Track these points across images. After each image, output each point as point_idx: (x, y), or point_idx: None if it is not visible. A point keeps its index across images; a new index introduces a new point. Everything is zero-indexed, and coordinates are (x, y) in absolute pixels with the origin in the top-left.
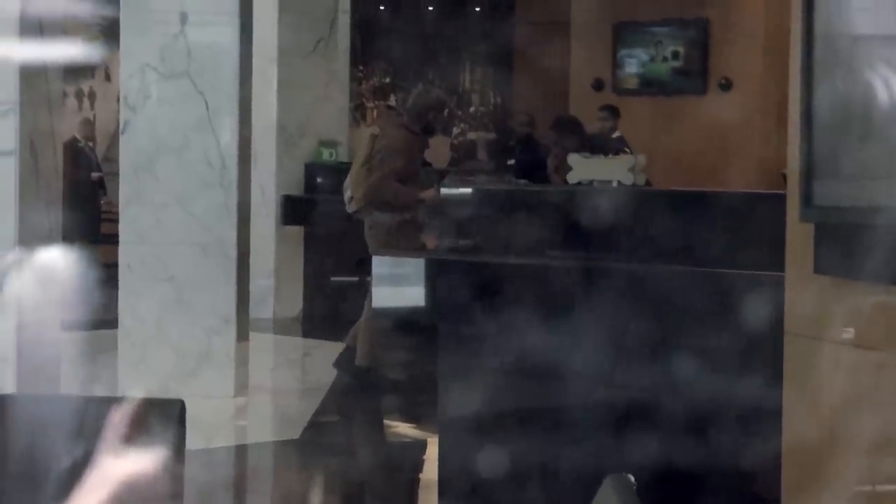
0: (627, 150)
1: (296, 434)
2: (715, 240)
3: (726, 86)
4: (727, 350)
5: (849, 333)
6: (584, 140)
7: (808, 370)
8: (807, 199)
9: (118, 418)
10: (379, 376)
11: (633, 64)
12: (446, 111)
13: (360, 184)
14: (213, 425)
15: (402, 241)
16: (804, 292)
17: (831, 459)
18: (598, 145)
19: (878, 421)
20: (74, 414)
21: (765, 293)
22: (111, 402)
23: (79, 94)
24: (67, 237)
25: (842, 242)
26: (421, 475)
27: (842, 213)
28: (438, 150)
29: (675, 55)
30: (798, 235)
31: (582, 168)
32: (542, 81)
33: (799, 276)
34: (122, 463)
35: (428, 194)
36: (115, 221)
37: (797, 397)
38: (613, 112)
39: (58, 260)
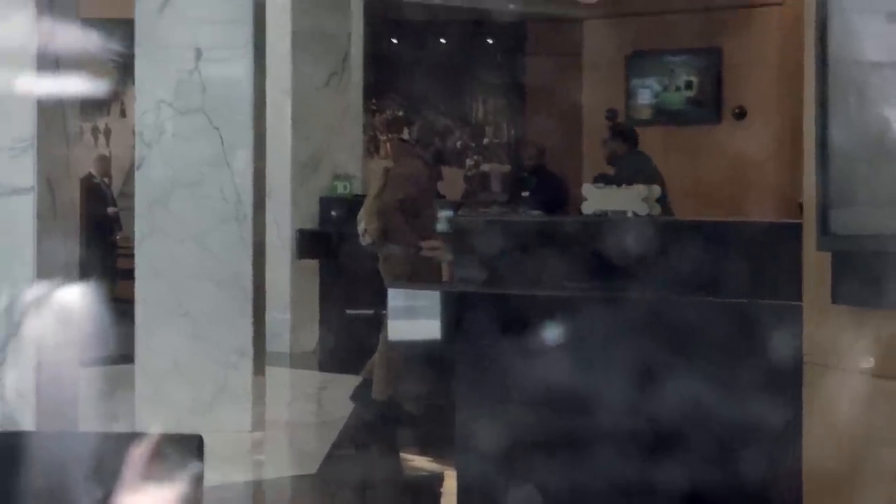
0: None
1: (313, 468)
2: (733, 270)
3: (740, 115)
4: (747, 380)
5: (868, 363)
6: (632, 147)
7: (828, 400)
8: (823, 228)
9: (137, 454)
10: (396, 409)
11: (646, 94)
12: (454, 138)
13: (373, 217)
14: (230, 460)
15: (417, 273)
16: (822, 322)
17: (851, 489)
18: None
19: None
20: (93, 451)
21: (783, 323)
22: (129, 438)
23: (94, 131)
24: (84, 273)
25: (859, 271)
26: None
27: (859, 241)
28: (452, 182)
29: (689, 85)
30: (815, 265)
31: (596, 199)
32: (555, 112)
33: (817, 305)
34: (142, 499)
35: (429, 244)
36: (131, 256)
37: (817, 427)
38: (619, 135)
39: (75, 297)
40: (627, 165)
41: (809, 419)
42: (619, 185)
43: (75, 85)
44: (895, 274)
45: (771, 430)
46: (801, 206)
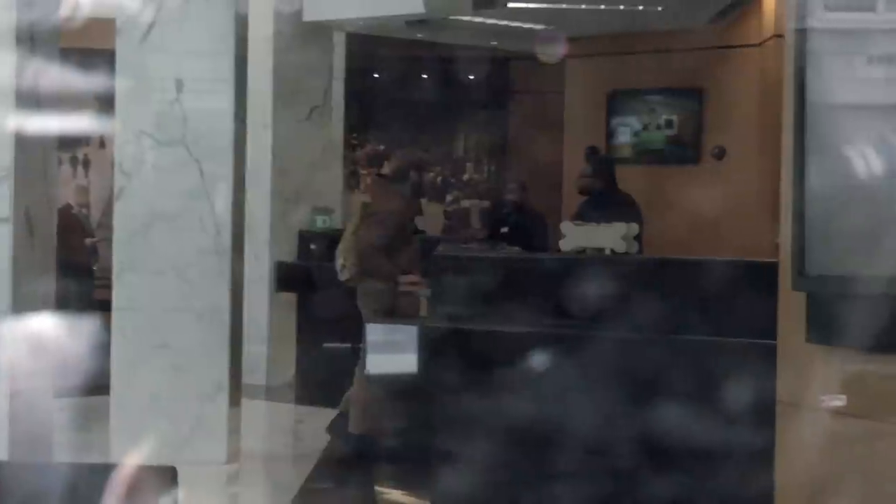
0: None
1: (287, 501)
2: (708, 309)
3: (720, 155)
4: (718, 417)
5: (840, 402)
6: (612, 184)
7: (801, 439)
8: (799, 268)
9: (112, 485)
10: (372, 443)
11: (626, 132)
12: (430, 171)
13: (351, 252)
14: (205, 492)
15: (396, 308)
16: (796, 361)
17: None
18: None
19: (871, 490)
20: (67, 481)
21: (756, 362)
22: (104, 469)
23: (73, 161)
24: (61, 304)
25: (833, 311)
26: None
27: (833, 282)
28: (432, 218)
29: (669, 124)
30: (790, 304)
31: (575, 236)
32: (536, 149)
33: (791, 344)
34: None
35: (408, 280)
36: (109, 288)
37: (789, 466)
38: (600, 170)
39: (50, 327)
40: (605, 200)
41: (781, 457)
42: (597, 222)
43: (55, 119)
44: (869, 315)
45: (743, 466)
46: (778, 246)
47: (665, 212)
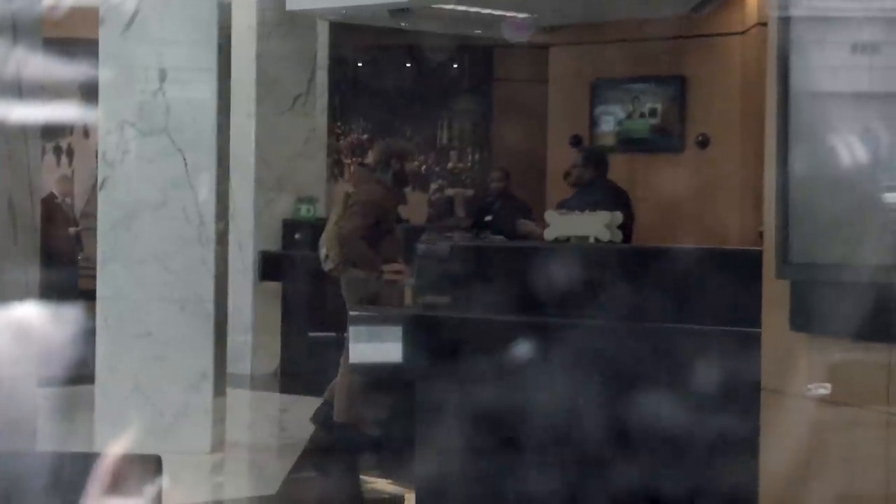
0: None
1: (272, 490)
2: (693, 297)
3: (703, 143)
4: (705, 406)
5: (825, 389)
6: (603, 174)
7: (784, 425)
8: (783, 256)
9: (97, 474)
10: (356, 432)
11: (610, 121)
12: (413, 160)
13: (334, 242)
14: (190, 481)
15: (380, 297)
16: (780, 349)
17: None
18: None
19: (854, 476)
20: (50, 470)
21: (742, 350)
22: (88, 458)
23: (57, 151)
24: (45, 293)
25: (817, 299)
26: None
27: (817, 270)
28: (416, 207)
29: (653, 112)
30: (774, 292)
31: (558, 224)
32: (520, 138)
33: (775, 332)
34: None
35: (391, 268)
36: (93, 277)
37: (774, 453)
38: (591, 161)
39: (34, 317)
40: (595, 192)
41: (766, 444)
42: (583, 210)
43: (38, 108)
44: (852, 302)
45: (728, 454)
46: (761, 235)
47: (649, 200)
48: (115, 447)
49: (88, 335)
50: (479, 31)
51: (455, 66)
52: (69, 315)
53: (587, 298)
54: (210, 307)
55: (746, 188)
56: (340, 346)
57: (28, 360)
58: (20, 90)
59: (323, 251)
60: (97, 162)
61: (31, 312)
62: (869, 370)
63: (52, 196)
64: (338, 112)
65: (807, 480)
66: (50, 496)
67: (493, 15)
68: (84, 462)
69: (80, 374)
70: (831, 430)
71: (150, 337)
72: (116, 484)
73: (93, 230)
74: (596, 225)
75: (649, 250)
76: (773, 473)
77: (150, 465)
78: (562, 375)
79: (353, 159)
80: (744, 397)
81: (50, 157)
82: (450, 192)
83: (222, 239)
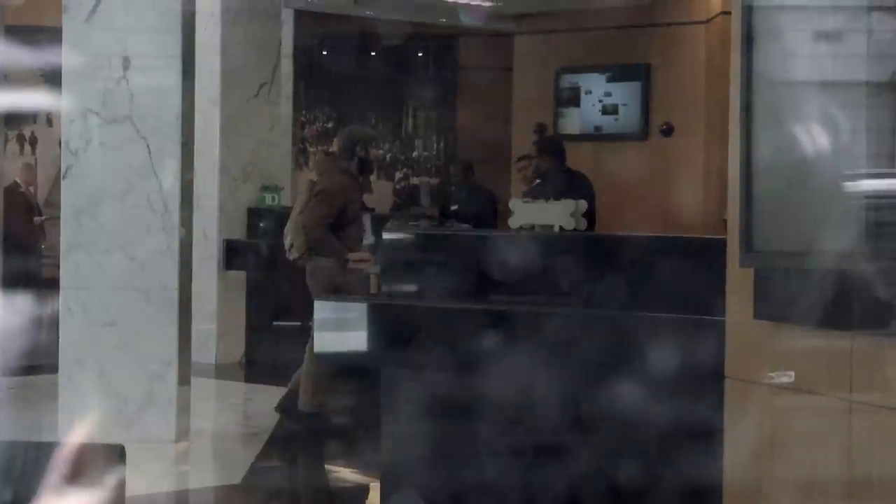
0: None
1: (237, 479)
2: (654, 285)
3: (667, 131)
4: (664, 395)
5: (788, 378)
6: (561, 163)
7: (748, 414)
8: (747, 245)
9: (59, 463)
10: (322, 420)
11: (574, 110)
12: (377, 148)
13: (299, 230)
14: (154, 470)
15: (345, 285)
16: (744, 337)
17: (769, 500)
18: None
19: (817, 462)
20: (11, 459)
21: (706, 338)
22: (50, 447)
23: (20, 139)
24: (9, 282)
25: (781, 288)
26: None
27: (780, 258)
28: (381, 195)
29: (617, 100)
30: (738, 280)
31: (523, 213)
32: (485, 126)
33: (739, 320)
34: None
35: (356, 256)
36: (57, 266)
37: (738, 440)
38: (546, 151)
39: None
40: (557, 181)
41: (731, 432)
42: (546, 199)
43: (1, 96)
44: (816, 291)
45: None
46: (725, 223)
47: (613, 188)
48: (75, 436)
49: (52, 324)
50: (444, 20)
51: (420, 54)
52: (33, 305)
53: (551, 286)
54: (174, 296)
55: (711, 176)
56: (305, 334)
57: None
58: None
59: (288, 240)
60: (61, 150)
61: None
62: (832, 358)
63: (15, 185)
64: (302, 100)
65: (770, 467)
66: (9, 485)
67: (458, 4)
68: (43, 451)
69: (45, 363)
70: (794, 417)
71: (115, 326)
72: (77, 473)
73: (57, 219)
74: (561, 213)
75: (612, 238)
76: (737, 460)
77: (112, 455)
78: (527, 363)
79: (318, 147)
80: (708, 385)
81: (13, 146)
82: (415, 180)
83: (186, 227)
